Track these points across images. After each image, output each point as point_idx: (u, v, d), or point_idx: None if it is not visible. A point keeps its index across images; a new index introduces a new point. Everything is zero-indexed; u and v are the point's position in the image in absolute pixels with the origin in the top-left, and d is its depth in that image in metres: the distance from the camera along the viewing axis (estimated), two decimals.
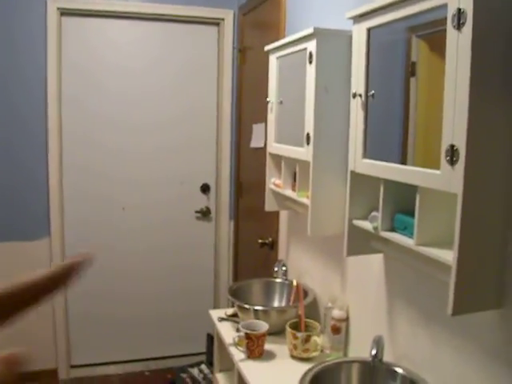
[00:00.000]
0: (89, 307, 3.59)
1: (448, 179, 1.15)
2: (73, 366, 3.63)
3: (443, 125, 1.16)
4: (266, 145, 2.49)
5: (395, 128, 1.52)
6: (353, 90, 1.56)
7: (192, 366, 3.43)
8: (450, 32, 1.13)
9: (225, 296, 3.62)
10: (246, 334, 1.97)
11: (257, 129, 3.12)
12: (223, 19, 3.64)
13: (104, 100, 3.53)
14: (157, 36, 3.60)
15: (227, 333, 2.20)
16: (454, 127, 1.12)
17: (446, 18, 1.14)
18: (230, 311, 2.38)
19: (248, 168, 3.48)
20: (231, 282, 3.73)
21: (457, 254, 1.14)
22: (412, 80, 1.41)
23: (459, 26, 1.10)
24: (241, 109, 3.60)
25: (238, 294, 2.33)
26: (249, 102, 3.43)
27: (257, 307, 2.16)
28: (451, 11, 1.12)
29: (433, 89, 1.28)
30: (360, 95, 1.52)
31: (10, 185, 3.36)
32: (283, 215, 2.78)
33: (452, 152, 1.12)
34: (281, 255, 2.80)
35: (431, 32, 1.32)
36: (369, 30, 1.49)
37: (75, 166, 3.50)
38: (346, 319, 2.01)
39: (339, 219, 1.83)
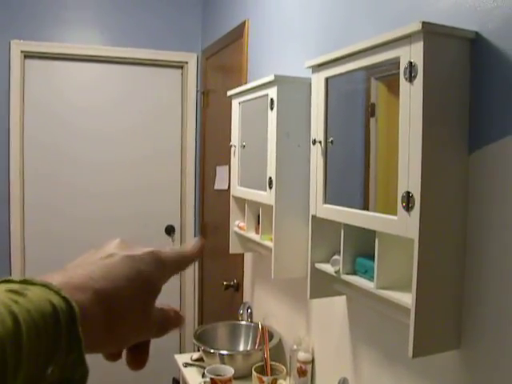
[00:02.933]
0: None
1: (404, 225, 1.18)
2: None
3: (399, 172, 1.20)
4: (229, 187, 2.51)
5: (355, 173, 1.56)
6: (312, 137, 1.60)
7: None
8: (403, 84, 1.19)
9: (190, 339, 3.56)
10: (212, 379, 1.95)
11: (220, 171, 3.15)
12: (187, 62, 3.70)
13: (68, 139, 3.52)
14: (121, 78, 3.63)
15: (193, 378, 2.18)
16: (409, 175, 1.16)
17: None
18: (196, 355, 2.35)
19: (212, 209, 3.49)
20: (196, 325, 3.68)
21: (415, 297, 1.16)
22: (372, 120, 1.45)
23: (411, 78, 1.16)
24: (204, 150, 3.63)
25: (203, 338, 2.31)
26: (212, 143, 3.46)
27: (222, 351, 2.15)
28: (403, 64, 1.18)
29: (392, 130, 1.32)
30: (320, 142, 1.56)
31: None
32: (248, 257, 2.78)
33: (408, 199, 1.16)
34: (246, 297, 2.79)
35: (389, 74, 1.37)
36: (327, 79, 1.55)
37: (37, 204, 3.46)
38: (312, 361, 2.01)
39: (302, 262, 1.84)
